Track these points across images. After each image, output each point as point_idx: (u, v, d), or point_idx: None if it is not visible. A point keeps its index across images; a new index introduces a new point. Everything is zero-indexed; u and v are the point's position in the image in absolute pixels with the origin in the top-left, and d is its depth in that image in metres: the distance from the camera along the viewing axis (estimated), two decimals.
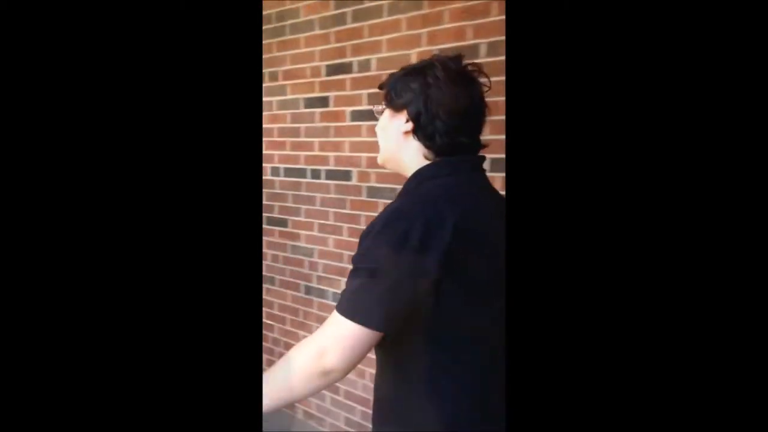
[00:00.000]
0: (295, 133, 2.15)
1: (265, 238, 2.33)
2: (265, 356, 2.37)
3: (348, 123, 1.93)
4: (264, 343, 2.41)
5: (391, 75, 0.89)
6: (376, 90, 0.93)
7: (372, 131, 1.06)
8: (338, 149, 1.99)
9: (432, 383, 0.80)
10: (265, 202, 2.30)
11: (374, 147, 0.95)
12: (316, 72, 2.03)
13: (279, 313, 2.32)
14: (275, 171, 2.25)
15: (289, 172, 2.20)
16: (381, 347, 0.82)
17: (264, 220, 2.32)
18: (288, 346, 2.29)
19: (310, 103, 2.07)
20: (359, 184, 1.92)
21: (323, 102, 2.01)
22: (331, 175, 2.03)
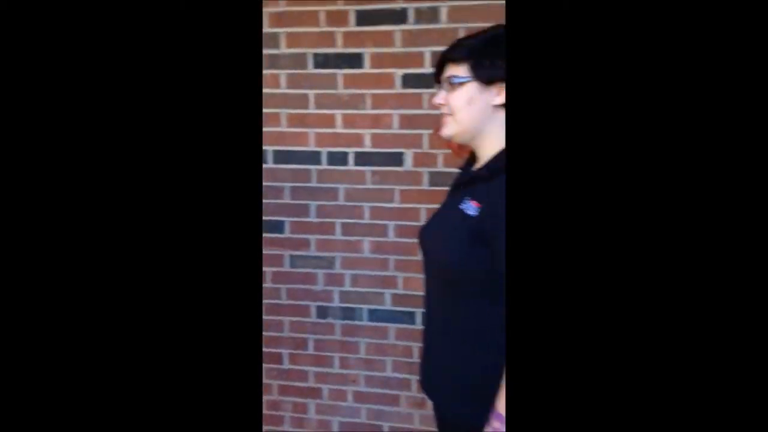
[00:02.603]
0: (298, 102, 1.55)
1: None
2: (266, 412, 1.72)
3: (398, 90, 1.45)
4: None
5: (463, 43, 0.89)
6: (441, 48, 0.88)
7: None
8: (379, 125, 1.49)
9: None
10: None
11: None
12: (338, 17, 1.48)
13: (269, 350, 1.69)
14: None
15: (285, 157, 1.59)
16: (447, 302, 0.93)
17: None
18: (288, 391, 1.71)
19: (327, 60, 1.50)
20: (417, 169, 1.47)
21: (352, 60, 1.48)
22: (365, 159, 1.51)
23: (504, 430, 0.81)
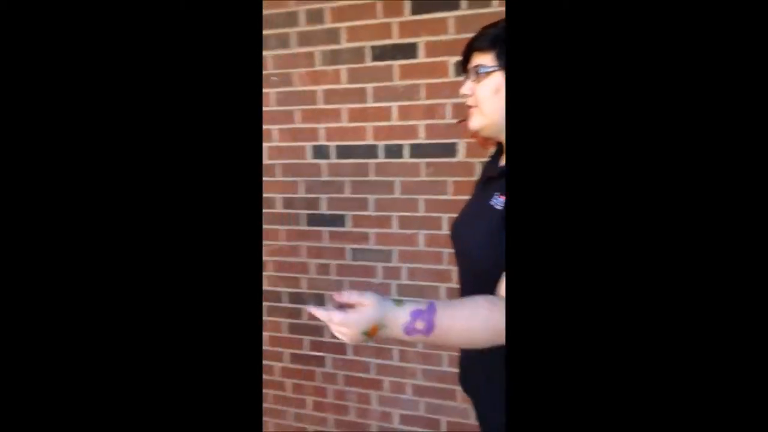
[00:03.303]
0: (357, 96, 1.57)
1: (305, 244, 1.73)
2: (318, 399, 1.79)
3: (452, 78, 1.40)
4: (310, 383, 1.82)
5: (488, 31, 0.86)
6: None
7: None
8: (432, 115, 1.45)
9: None
10: (304, 194, 1.70)
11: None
12: (393, 8, 1.47)
13: (334, 341, 1.74)
14: (321, 151, 1.65)
15: (346, 152, 1.62)
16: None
17: (304, 219, 1.72)
18: (351, 381, 1.73)
19: (383, 52, 1.50)
20: (469, 160, 1.40)
21: (407, 51, 1.46)
22: (420, 151, 1.48)
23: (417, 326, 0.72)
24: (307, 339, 1.81)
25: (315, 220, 1.71)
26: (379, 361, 1.68)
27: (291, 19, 1.60)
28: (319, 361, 1.80)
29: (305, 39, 1.60)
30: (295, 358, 1.84)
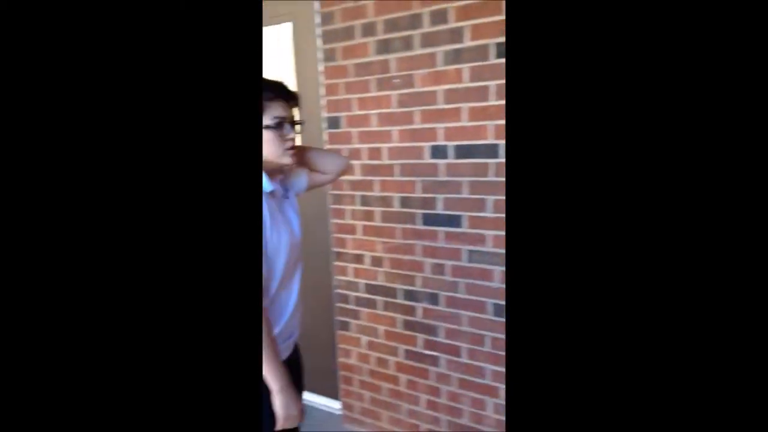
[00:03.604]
0: (478, 94, 1.53)
1: (420, 243, 1.74)
2: (431, 398, 1.80)
3: None
4: (424, 381, 1.83)
5: None
6: None
7: None
8: None
9: None
10: (420, 194, 1.71)
11: None
12: None
13: (448, 341, 1.73)
14: (439, 151, 1.64)
15: (465, 151, 1.59)
16: None
17: (420, 219, 1.73)
18: (465, 385, 1.71)
19: None
20: None
21: None
22: None
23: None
24: (421, 337, 1.82)
25: (431, 219, 1.70)
26: (495, 367, 1.63)
27: (415, 21, 1.60)
28: (434, 361, 1.79)
29: (428, 40, 1.59)
30: (410, 354, 1.86)
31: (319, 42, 1.85)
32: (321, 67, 1.86)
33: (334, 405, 2.21)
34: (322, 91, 1.88)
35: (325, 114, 1.89)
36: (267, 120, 1.01)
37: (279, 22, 2.03)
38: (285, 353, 1.14)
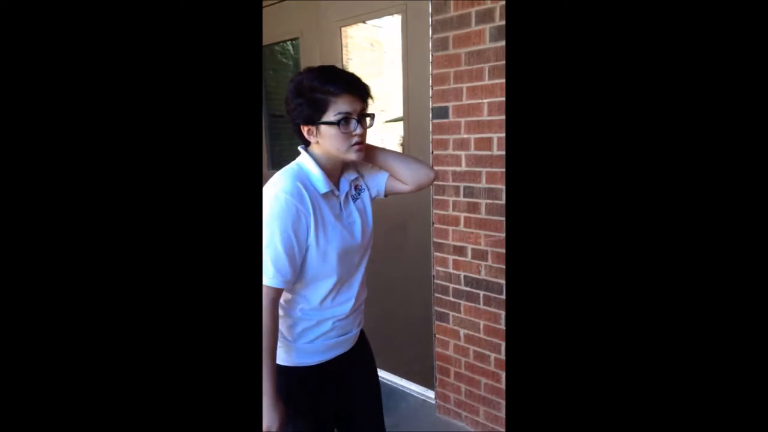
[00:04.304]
0: None
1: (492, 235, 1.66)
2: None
3: None
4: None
5: None
6: None
7: None
8: None
9: None
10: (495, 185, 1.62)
11: None
12: None
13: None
14: None
15: None
16: None
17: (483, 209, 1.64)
18: None
19: None
20: None
21: None
22: None
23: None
24: None
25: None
26: None
27: None
28: None
29: None
30: None
31: (430, 31, 1.81)
32: (430, 57, 1.83)
33: (428, 394, 2.20)
34: (431, 81, 1.84)
35: (431, 104, 1.86)
36: (330, 115, 0.98)
37: (391, 14, 2.02)
38: (343, 348, 1.14)
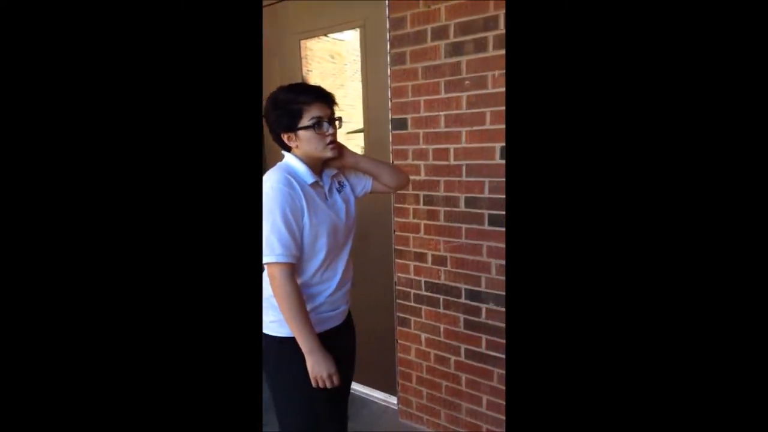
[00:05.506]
0: None
1: (486, 243, 1.69)
2: (494, 400, 1.74)
3: None
4: (487, 382, 1.78)
5: None
6: None
7: None
8: None
9: None
10: (487, 195, 1.66)
11: None
12: None
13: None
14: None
15: None
16: None
17: (485, 220, 1.68)
18: None
19: None
20: None
21: None
22: None
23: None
24: (485, 337, 1.76)
25: (498, 220, 1.65)
26: None
27: (490, 23, 1.55)
28: (498, 363, 1.74)
29: (503, 42, 1.53)
30: (472, 354, 1.81)
31: (388, 46, 1.83)
32: (389, 71, 1.84)
33: (391, 400, 2.18)
34: (390, 93, 1.86)
35: (391, 116, 1.87)
36: (306, 121, 1.13)
37: (349, 29, 2.02)
38: (334, 322, 1.27)
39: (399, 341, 2.04)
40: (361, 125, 2.07)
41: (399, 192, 1.89)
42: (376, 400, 2.22)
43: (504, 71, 1.54)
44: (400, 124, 1.85)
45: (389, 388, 2.18)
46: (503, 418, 1.74)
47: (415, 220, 1.88)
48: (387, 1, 1.80)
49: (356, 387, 2.29)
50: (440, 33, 1.68)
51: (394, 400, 2.15)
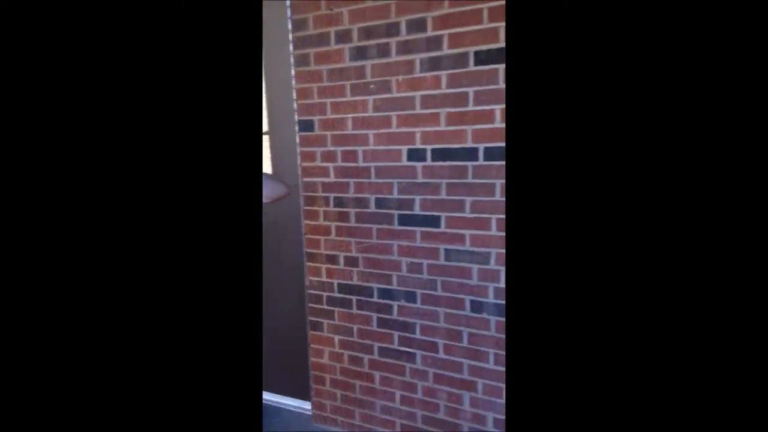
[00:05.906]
0: (457, 100, 1.53)
1: (397, 242, 1.71)
2: (406, 394, 1.77)
3: None
4: (399, 377, 1.81)
5: None
6: None
7: None
8: None
9: None
10: (397, 195, 1.68)
11: None
12: (501, 13, 1.41)
13: (424, 338, 1.71)
14: (416, 154, 1.61)
15: (443, 155, 1.58)
16: None
17: (395, 220, 1.70)
18: (442, 380, 1.69)
19: (489, 57, 1.45)
20: None
21: None
22: None
23: None
24: (396, 334, 1.79)
25: (407, 220, 1.68)
26: (472, 362, 1.63)
27: (392, 28, 1.58)
28: (410, 358, 1.77)
29: (406, 47, 1.57)
30: (385, 351, 1.83)
31: (291, 47, 1.78)
32: (293, 72, 1.79)
33: (305, 406, 2.13)
34: (295, 95, 1.81)
35: (297, 118, 1.83)
36: None
37: None
38: None
39: (312, 345, 2.00)
40: (265, 128, 1.99)
41: (308, 194, 1.85)
42: (290, 408, 2.15)
43: (407, 77, 1.58)
44: (306, 125, 1.81)
45: (303, 394, 2.13)
46: (415, 411, 1.79)
47: (326, 223, 1.86)
48: (288, 2, 1.75)
49: (268, 396, 2.21)
50: (344, 36, 1.67)
51: (308, 405, 2.10)
